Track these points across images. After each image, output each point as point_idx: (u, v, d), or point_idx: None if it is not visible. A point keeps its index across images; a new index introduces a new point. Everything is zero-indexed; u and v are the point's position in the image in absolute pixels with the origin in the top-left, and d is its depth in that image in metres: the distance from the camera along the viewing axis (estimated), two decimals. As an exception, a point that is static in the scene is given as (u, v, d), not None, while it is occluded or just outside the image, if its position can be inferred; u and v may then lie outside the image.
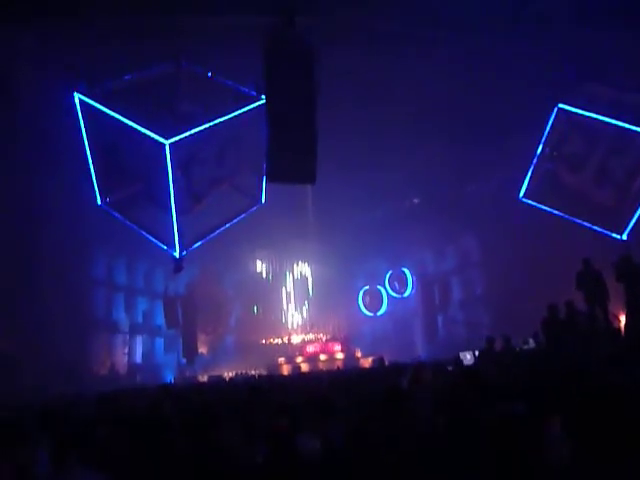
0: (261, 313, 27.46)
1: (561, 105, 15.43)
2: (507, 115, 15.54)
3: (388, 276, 26.02)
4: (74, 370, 16.46)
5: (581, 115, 15.11)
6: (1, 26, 12.29)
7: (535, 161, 16.88)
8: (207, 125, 12.75)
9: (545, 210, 16.59)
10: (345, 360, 23.51)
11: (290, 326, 27.70)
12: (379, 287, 26.35)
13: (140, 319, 23.55)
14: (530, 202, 17.12)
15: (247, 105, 13.57)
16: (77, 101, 13.01)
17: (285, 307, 28.14)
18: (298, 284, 28.48)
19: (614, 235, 14.91)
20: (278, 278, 28.35)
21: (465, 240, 22.63)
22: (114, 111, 12.75)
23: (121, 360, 21.84)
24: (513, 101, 14.68)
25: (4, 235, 14.74)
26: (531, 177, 17.07)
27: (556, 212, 16.34)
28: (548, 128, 16.07)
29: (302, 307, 28.17)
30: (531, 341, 10.32)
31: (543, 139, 16.33)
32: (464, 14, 13.30)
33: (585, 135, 15.65)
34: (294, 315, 28.00)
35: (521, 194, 17.26)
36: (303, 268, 28.52)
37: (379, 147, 18.06)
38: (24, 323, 15.57)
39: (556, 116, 15.79)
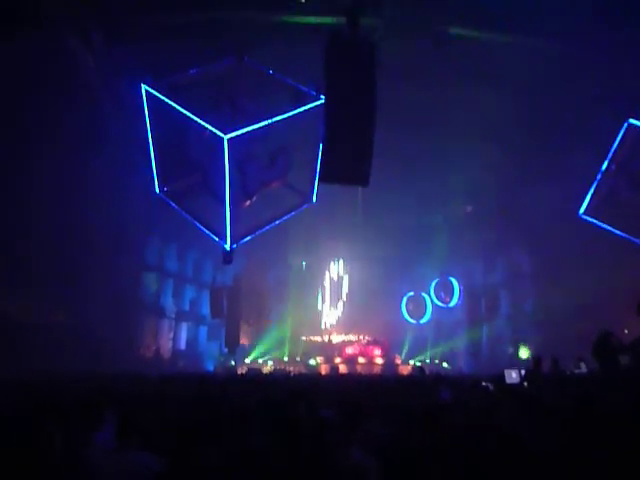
0: (301, 309, 27.62)
1: (632, 121, 14.68)
2: (572, 127, 14.97)
3: (434, 284, 25.57)
4: (122, 350, 17.15)
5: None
6: (74, 22, 12.98)
7: (599, 177, 16.15)
8: (266, 122, 12.90)
9: (606, 229, 15.85)
10: (384, 365, 23.33)
11: (326, 325, 27.67)
12: (424, 294, 25.95)
13: (187, 307, 24.22)
14: (590, 219, 16.41)
15: (306, 104, 13.64)
16: (144, 92, 13.46)
17: (323, 306, 28.17)
18: (339, 284, 28.47)
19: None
20: (320, 276, 28.44)
21: (516, 253, 21.95)
22: (178, 104, 13.10)
23: (166, 345, 22.54)
24: (580, 113, 14.12)
25: (65, 218, 15.54)
26: (593, 194, 16.36)
27: (617, 232, 15.57)
28: (616, 144, 15.31)
29: (338, 307, 28.12)
30: (583, 365, 9.85)
31: (610, 155, 15.58)
32: (533, 20, 12.90)
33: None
34: (330, 314, 27.97)
35: (581, 210, 16.56)
36: (345, 268, 28.47)
37: (435, 152, 17.79)
38: (79, 301, 16.36)
39: (625, 132, 15.05)
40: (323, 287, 28.31)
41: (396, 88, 13.04)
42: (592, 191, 16.09)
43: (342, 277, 28.37)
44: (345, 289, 28.16)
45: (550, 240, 18.14)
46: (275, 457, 3.20)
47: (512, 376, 10.53)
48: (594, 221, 16.28)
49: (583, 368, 9.87)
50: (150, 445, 3.42)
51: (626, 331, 9.96)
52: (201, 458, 3.19)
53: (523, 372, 10.32)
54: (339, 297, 28.15)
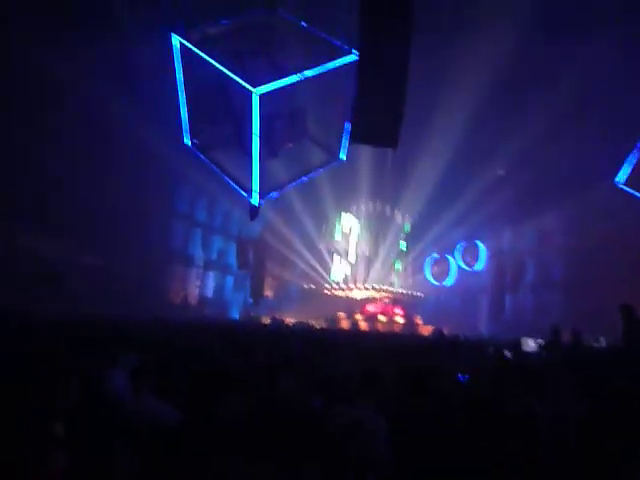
0: (321, 263, 27.39)
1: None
2: (617, 94, 14.27)
3: (460, 247, 25.33)
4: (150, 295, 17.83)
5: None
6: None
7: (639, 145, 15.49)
8: (296, 78, 12.71)
9: (640, 198, 15.32)
10: (404, 325, 23.57)
11: (343, 279, 27.28)
12: (448, 256, 25.76)
13: (214, 256, 24.81)
14: (626, 189, 15.85)
15: (338, 59, 13.33)
16: (175, 43, 13.35)
17: (336, 260, 27.78)
18: (350, 238, 28.02)
19: None
20: (344, 233, 28.00)
21: (548, 220, 21.44)
22: (209, 55, 12.98)
23: (193, 292, 23.28)
24: (626, 82, 13.43)
25: (101, 163, 15.92)
26: (633, 162, 15.73)
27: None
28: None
29: (348, 262, 27.67)
30: (602, 339, 9.82)
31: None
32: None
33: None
34: (342, 268, 27.50)
35: (617, 178, 15.99)
36: (367, 225, 27.76)
37: (473, 112, 17.23)
38: (111, 244, 16.91)
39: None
40: (336, 242, 27.70)
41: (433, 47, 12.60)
42: (631, 160, 15.50)
43: (351, 231, 27.57)
44: (359, 245, 27.51)
45: (584, 209, 17.60)
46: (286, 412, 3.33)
47: (529, 344, 10.62)
48: (631, 191, 15.75)
49: (602, 342, 9.84)
50: (164, 393, 3.42)
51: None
52: (219, 410, 3.27)
53: (541, 342, 10.38)
54: (349, 252, 27.52)
